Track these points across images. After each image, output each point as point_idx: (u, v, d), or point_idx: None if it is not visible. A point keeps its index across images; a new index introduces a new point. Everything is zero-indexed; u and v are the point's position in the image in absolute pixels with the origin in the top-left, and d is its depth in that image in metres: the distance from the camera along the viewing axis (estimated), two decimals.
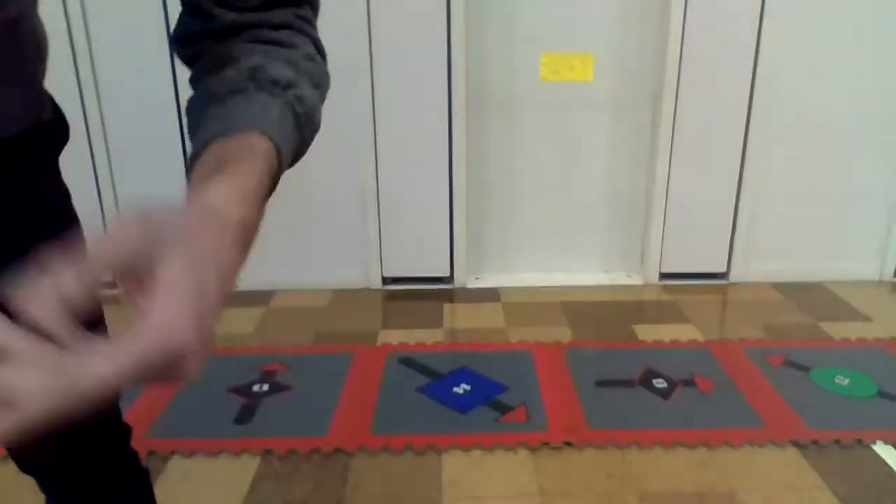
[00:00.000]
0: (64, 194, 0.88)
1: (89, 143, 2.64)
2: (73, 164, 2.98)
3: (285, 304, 2.73)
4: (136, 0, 2.49)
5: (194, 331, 0.36)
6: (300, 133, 0.60)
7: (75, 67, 2.55)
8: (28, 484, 1.69)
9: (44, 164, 0.88)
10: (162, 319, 0.35)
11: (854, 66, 2.63)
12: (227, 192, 0.47)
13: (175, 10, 2.73)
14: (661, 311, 2.65)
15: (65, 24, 2.50)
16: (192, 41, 0.65)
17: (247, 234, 0.52)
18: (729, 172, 2.75)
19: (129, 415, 1.97)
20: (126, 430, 1.02)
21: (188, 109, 0.63)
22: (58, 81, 2.81)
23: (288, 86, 0.59)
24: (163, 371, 0.36)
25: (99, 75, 2.57)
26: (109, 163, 2.68)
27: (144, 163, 2.68)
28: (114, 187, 2.71)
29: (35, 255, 0.38)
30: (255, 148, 0.52)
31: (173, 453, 1.77)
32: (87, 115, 2.61)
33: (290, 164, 0.60)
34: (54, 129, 0.89)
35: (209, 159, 0.51)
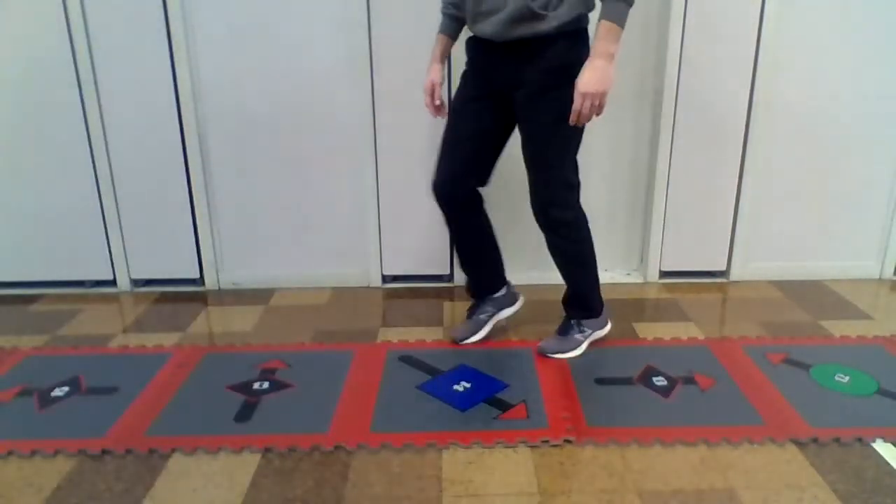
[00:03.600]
0: None
1: (89, 142, 2.64)
2: (73, 164, 3.01)
3: (285, 302, 2.73)
4: (136, 1, 2.49)
5: (596, 86, 1.79)
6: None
7: (75, 67, 2.56)
8: (28, 484, 1.71)
9: None
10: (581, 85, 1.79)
11: (854, 65, 2.63)
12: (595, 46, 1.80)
13: (175, 10, 2.76)
14: (661, 309, 2.65)
15: (65, 24, 2.50)
16: None
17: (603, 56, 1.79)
18: (729, 171, 2.75)
19: (129, 414, 2.00)
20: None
21: None
22: (58, 81, 2.84)
23: None
24: (588, 105, 1.81)
25: (99, 75, 2.58)
26: (109, 163, 2.68)
27: (144, 163, 2.69)
28: (114, 187, 2.71)
29: None
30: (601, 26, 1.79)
31: (174, 451, 1.77)
32: (87, 115, 2.61)
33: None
34: None
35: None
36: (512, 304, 2.37)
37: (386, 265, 2.87)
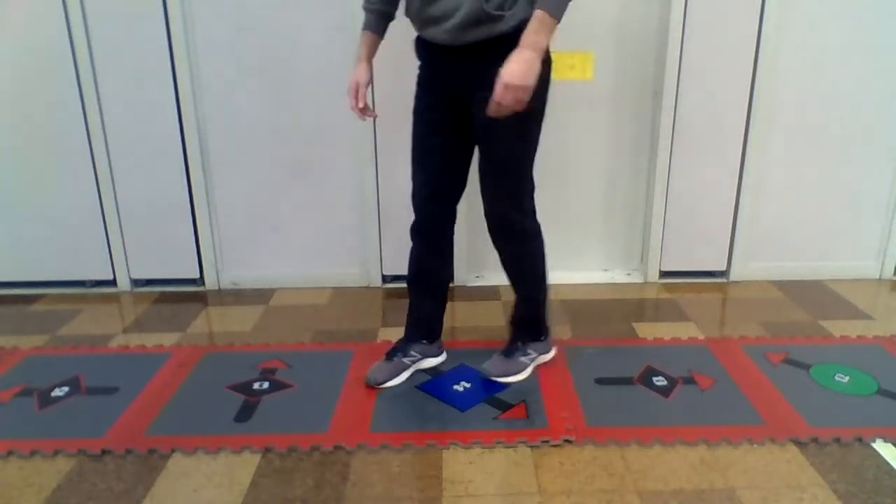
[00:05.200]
0: None
1: (89, 142, 2.64)
2: (73, 164, 3.01)
3: (285, 302, 2.73)
4: (136, 1, 2.49)
5: (521, 79, 1.62)
6: None
7: (75, 67, 2.56)
8: (28, 484, 1.71)
9: None
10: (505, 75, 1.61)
11: (854, 65, 2.63)
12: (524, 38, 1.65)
13: (175, 10, 2.75)
14: (661, 309, 2.65)
15: (65, 24, 2.50)
16: None
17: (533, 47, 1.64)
18: (729, 171, 2.75)
19: (129, 414, 2.00)
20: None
21: None
22: (58, 81, 2.84)
23: None
24: (511, 97, 1.63)
25: (99, 75, 2.58)
26: (109, 163, 2.68)
27: (144, 163, 2.69)
28: (114, 187, 2.71)
29: None
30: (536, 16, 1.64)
31: (174, 451, 1.77)
32: (87, 115, 2.61)
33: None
34: None
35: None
36: (438, 354, 2.19)
37: (386, 265, 2.87)
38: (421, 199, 1.99)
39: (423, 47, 1.88)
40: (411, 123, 1.96)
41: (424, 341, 2.15)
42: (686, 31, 2.57)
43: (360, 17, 2.50)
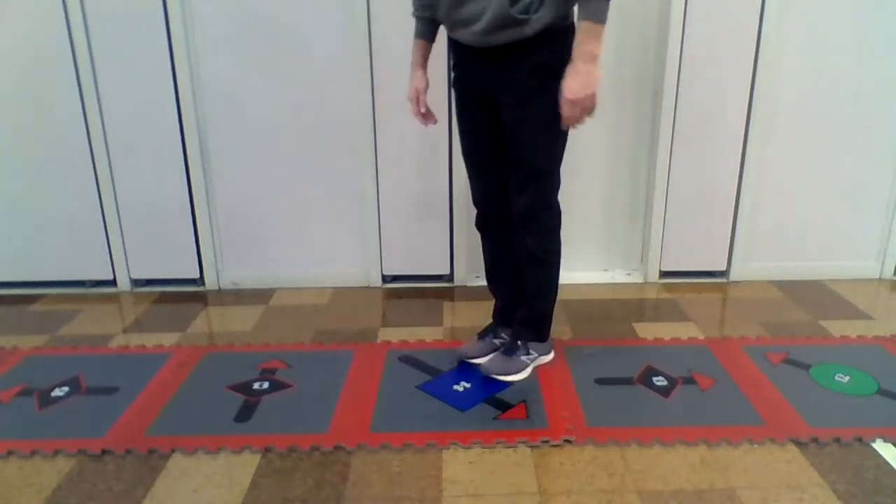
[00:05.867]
0: None
1: (89, 143, 2.64)
2: (73, 164, 3.01)
3: (285, 302, 2.73)
4: (136, 1, 2.49)
5: (583, 91, 1.72)
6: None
7: (75, 67, 2.56)
8: (28, 484, 1.71)
9: None
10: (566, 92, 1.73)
11: (854, 64, 2.63)
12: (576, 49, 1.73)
13: (175, 10, 2.75)
14: (661, 309, 2.65)
15: (65, 24, 2.51)
16: None
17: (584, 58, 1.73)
18: (729, 171, 2.75)
19: (129, 414, 2.00)
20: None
21: None
22: (58, 81, 2.84)
23: None
24: (578, 111, 1.74)
25: (99, 75, 2.58)
26: (109, 163, 2.68)
27: (144, 163, 2.69)
28: (114, 187, 2.71)
29: None
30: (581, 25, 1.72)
31: (174, 451, 1.77)
32: (87, 115, 2.61)
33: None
34: None
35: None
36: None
37: (386, 265, 2.87)
38: (475, 196, 2.09)
39: (455, 48, 1.93)
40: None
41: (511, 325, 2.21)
42: (686, 30, 2.57)
43: (359, 16, 2.53)
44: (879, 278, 2.91)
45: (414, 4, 1.96)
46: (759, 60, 2.60)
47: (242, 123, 2.67)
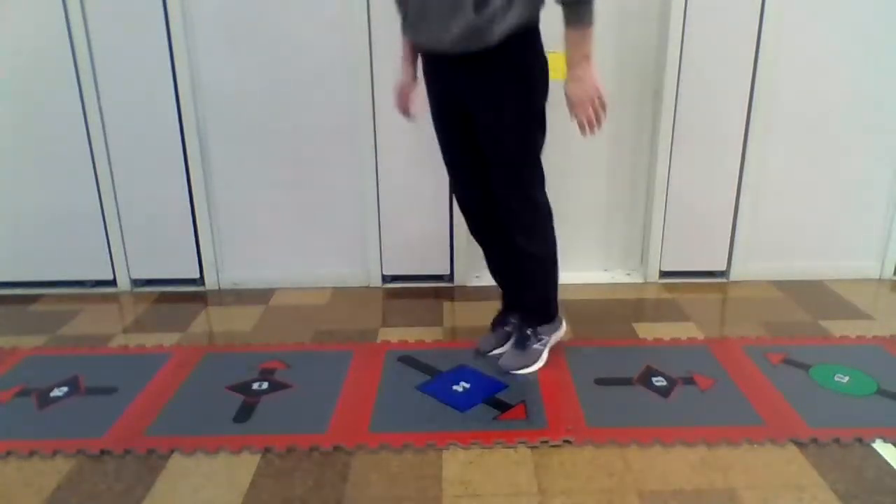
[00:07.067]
0: None
1: (89, 143, 2.64)
2: (73, 164, 3.00)
3: (285, 302, 2.73)
4: (136, 1, 2.49)
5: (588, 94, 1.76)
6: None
7: (75, 67, 2.55)
8: (27, 484, 1.71)
9: None
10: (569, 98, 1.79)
11: (854, 65, 2.63)
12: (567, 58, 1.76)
13: (175, 10, 2.74)
14: (660, 309, 2.65)
15: (65, 24, 2.50)
16: None
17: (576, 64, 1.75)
18: (729, 171, 2.75)
19: (128, 414, 1.99)
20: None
21: None
22: (58, 81, 2.83)
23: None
24: (586, 113, 1.77)
25: (99, 75, 2.58)
26: (109, 163, 2.68)
27: (144, 163, 2.69)
28: (114, 187, 2.71)
29: None
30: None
31: (173, 451, 1.77)
32: (87, 115, 2.61)
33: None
34: None
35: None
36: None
37: (386, 265, 2.86)
38: (459, 198, 2.12)
39: (423, 55, 1.93)
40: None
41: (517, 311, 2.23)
42: (686, 31, 2.57)
43: (359, 16, 2.53)
44: (879, 278, 2.91)
45: (396, 2, 1.94)
46: (759, 60, 2.60)
47: (242, 123, 2.67)
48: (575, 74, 1.73)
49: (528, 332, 2.15)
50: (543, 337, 2.15)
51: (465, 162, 2.03)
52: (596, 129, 1.80)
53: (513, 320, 2.23)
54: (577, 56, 1.72)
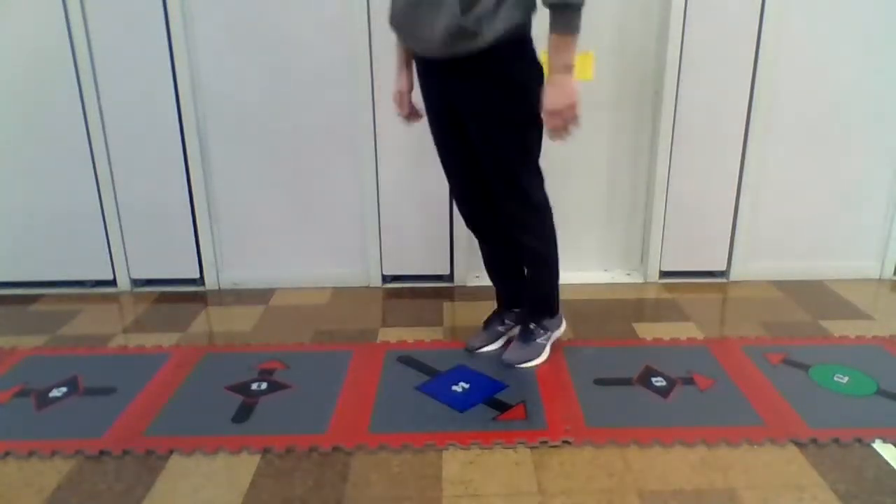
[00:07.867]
0: None
1: (89, 142, 2.64)
2: (73, 164, 3.00)
3: (285, 302, 2.73)
4: (136, 1, 2.49)
5: (562, 101, 1.71)
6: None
7: (75, 67, 2.55)
8: (27, 484, 1.71)
9: None
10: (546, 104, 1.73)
11: (854, 65, 2.63)
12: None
13: (175, 10, 2.74)
14: (660, 309, 2.65)
15: (65, 24, 2.50)
16: None
17: (558, 70, 1.71)
18: (729, 171, 2.75)
19: (127, 414, 1.99)
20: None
21: None
22: (58, 81, 2.82)
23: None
24: (559, 121, 1.73)
25: (99, 75, 2.58)
26: (109, 163, 2.68)
27: (144, 163, 2.69)
28: (114, 187, 2.71)
29: None
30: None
31: (172, 451, 1.77)
32: (87, 115, 2.61)
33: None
34: None
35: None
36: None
37: (386, 265, 2.86)
38: (456, 199, 2.14)
39: (416, 59, 1.93)
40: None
41: (516, 310, 2.27)
42: (686, 31, 2.57)
43: (359, 16, 2.53)
44: (879, 278, 2.91)
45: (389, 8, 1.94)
46: (759, 60, 2.60)
47: (243, 123, 2.67)
48: (554, 80, 1.72)
49: (532, 326, 2.17)
50: (547, 331, 2.18)
51: (463, 172, 2.04)
52: (566, 137, 1.78)
53: (508, 320, 2.26)
54: (559, 64, 1.71)
